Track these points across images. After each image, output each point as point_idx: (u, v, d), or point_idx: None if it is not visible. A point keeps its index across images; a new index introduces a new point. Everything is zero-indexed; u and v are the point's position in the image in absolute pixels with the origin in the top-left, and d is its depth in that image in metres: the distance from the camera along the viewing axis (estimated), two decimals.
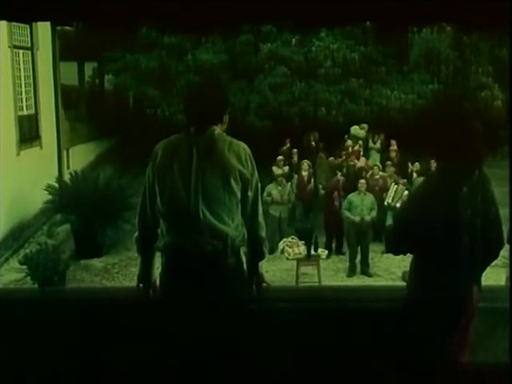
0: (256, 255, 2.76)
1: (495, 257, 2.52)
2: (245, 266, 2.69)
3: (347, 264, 10.52)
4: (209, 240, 2.50)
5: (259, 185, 2.70)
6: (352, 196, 10.67)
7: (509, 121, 13.52)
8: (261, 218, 2.72)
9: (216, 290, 2.50)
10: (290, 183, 12.03)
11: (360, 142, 14.09)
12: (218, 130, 2.60)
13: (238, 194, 2.56)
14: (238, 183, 2.55)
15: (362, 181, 10.78)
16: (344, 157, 13.17)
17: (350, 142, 13.90)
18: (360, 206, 10.47)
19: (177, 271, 2.57)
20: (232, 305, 2.54)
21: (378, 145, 14.35)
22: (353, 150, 13.49)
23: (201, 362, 2.49)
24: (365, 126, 14.76)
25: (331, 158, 13.35)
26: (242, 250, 2.67)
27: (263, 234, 2.74)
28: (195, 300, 2.50)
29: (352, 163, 12.74)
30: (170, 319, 2.59)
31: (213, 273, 2.51)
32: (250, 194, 2.61)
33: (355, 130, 14.60)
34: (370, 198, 10.61)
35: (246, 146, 2.62)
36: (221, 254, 2.52)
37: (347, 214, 10.53)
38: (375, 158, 13.79)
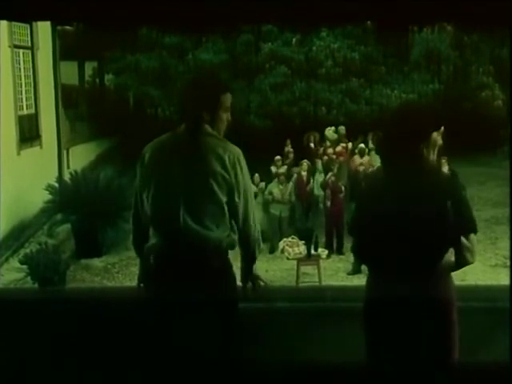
0: (247, 258, 2.70)
1: (454, 243, 2.40)
2: (234, 268, 2.64)
3: (349, 263, 10.50)
4: (190, 245, 2.46)
5: (251, 189, 2.61)
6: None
7: (509, 121, 13.52)
8: (252, 222, 2.60)
9: (200, 292, 2.45)
10: (291, 182, 12.04)
11: (349, 144, 14.14)
12: (208, 129, 2.52)
13: (223, 199, 2.48)
14: (221, 188, 2.46)
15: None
16: (327, 157, 13.17)
17: (327, 143, 13.98)
18: None
19: (161, 273, 2.55)
20: (218, 306, 2.50)
21: None
22: (340, 151, 13.51)
23: (198, 362, 2.48)
24: (342, 128, 14.78)
25: (318, 161, 13.35)
26: (232, 253, 2.63)
27: (254, 237, 2.63)
28: (177, 301, 2.48)
29: (358, 164, 12.74)
30: (153, 320, 2.58)
31: (195, 276, 2.46)
32: (236, 199, 2.51)
33: (328, 131, 14.67)
34: None
35: (235, 150, 2.51)
36: (203, 258, 2.47)
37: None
38: (376, 158, 13.78)
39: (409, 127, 2.39)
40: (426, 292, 2.36)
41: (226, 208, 2.49)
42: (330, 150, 13.31)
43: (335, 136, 14.56)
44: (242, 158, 2.52)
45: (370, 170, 12.19)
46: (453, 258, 2.41)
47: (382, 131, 2.61)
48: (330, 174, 11.88)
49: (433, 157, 2.43)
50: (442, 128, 2.47)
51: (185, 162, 2.48)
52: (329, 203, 11.33)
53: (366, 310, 2.50)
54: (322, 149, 13.75)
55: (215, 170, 2.44)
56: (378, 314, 2.45)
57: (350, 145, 14.21)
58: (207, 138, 2.51)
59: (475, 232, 2.42)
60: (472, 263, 2.43)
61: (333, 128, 14.83)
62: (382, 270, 2.44)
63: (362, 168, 12.46)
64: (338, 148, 13.68)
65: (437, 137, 2.43)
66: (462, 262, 2.40)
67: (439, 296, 2.39)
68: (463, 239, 2.38)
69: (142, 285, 2.82)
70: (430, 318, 2.37)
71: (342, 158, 13.09)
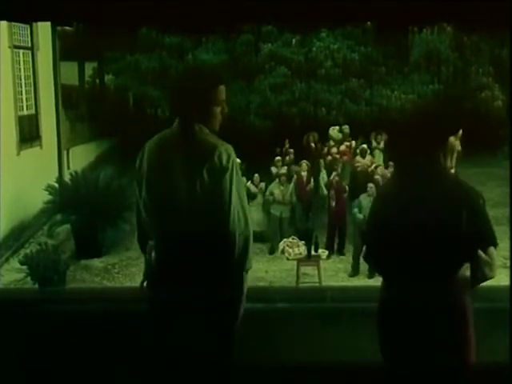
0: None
1: (469, 256, 2.25)
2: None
3: (350, 264, 10.51)
4: (179, 247, 2.41)
5: (239, 192, 2.43)
6: (362, 197, 10.67)
7: (509, 121, 13.53)
8: (237, 228, 2.40)
9: (195, 293, 2.41)
10: (292, 183, 12.05)
11: (352, 143, 14.18)
12: (199, 128, 2.42)
13: (208, 203, 2.37)
14: (205, 192, 2.36)
15: (371, 184, 10.76)
16: (330, 156, 13.19)
17: (331, 143, 14.01)
18: (366, 208, 10.45)
19: (159, 271, 2.51)
20: (216, 306, 2.44)
21: (382, 144, 14.41)
22: (343, 150, 13.52)
23: (198, 363, 2.47)
24: (346, 127, 14.83)
25: (322, 160, 13.35)
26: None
27: (237, 244, 2.41)
28: (176, 301, 2.44)
29: (358, 164, 12.73)
30: (153, 319, 2.55)
31: (188, 277, 2.41)
32: (219, 203, 2.37)
33: (332, 130, 14.72)
34: None
35: (222, 150, 2.37)
36: (193, 259, 2.40)
37: (355, 210, 10.55)
38: (379, 157, 13.84)
39: (424, 131, 2.26)
40: (439, 302, 2.25)
41: (211, 211, 2.38)
42: (334, 150, 13.31)
43: (340, 135, 14.59)
44: (225, 157, 2.37)
45: (370, 169, 12.25)
46: (468, 273, 2.25)
47: (395, 135, 2.49)
48: (334, 173, 11.88)
49: (450, 163, 2.29)
50: (460, 132, 2.31)
51: (172, 163, 2.41)
52: (333, 203, 11.31)
53: (381, 316, 2.41)
54: (326, 148, 13.75)
55: (198, 174, 2.35)
56: (392, 320, 2.36)
57: (353, 143, 14.22)
58: (196, 138, 2.41)
59: (495, 245, 2.24)
60: (492, 278, 2.27)
61: (337, 127, 14.87)
62: (395, 278, 2.35)
63: (363, 168, 12.47)
64: (342, 147, 13.70)
65: (454, 141, 2.29)
66: (479, 277, 2.24)
67: (452, 307, 2.27)
68: (481, 253, 2.21)
69: (145, 282, 2.76)
70: (443, 329, 2.26)
71: (345, 158, 13.08)
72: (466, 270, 2.26)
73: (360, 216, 10.43)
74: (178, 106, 2.48)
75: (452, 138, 2.28)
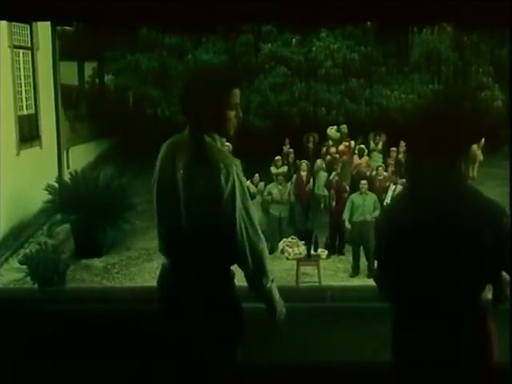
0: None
1: (492, 278, 2.09)
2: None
3: (350, 264, 10.52)
4: (184, 258, 2.36)
5: (242, 208, 2.28)
6: (354, 196, 10.67)
7: (509, 121, 13.53)
8: (245, 244, 2.28)
9: (198, 299, 2.37)
10: (290, 183, 12.05)
11: (351, 143, 14.19)
12: (212, 139, 2.30)
13: (209, 217, 2.28)
14: (204, 206, 2.26)
15: (364, 181, 10.75)
16: (329, 156, 13.19)
17: (330, 143, 14.02)
18: (361, 206, 10.45)
19: (163, 272, 2.47)
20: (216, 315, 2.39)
21: (380, 145, 14.42)
22: (343, 150, 13.54)
23: (197, 363, 2.47)
24: (344, 127, 14.84)
25: (319, 160, 13.35)
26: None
27: (245, 259, 2.32)
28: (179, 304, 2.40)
29: (360, 165, 12.74)
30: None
31: (191, 283, 2.36)
32: (220, 219, 2.26)
33: (330, 130, 14.72)
34: (372, 199, 10.53)
35: (221, 168, 2.21)
36: (196, 269, 2.34)
37: (346, 214, 10.56)
38: (377, 158, 13.83)
39: (444, 138, 2.02)
40: (462, 327, 2.08)
41: (213, 228, 2.28)
42: (333, 149, 13.31)
43: (338, 135, 14.60)
44: (224, 178, 2.21)
45: (370, 170, 12.26)
46: (489, 295, 2.08)
47: (410, 140, 2.24)
48: (333, 173, 11.88)
49: (472, 173, 2.07)
50: (483, 141, 2.08)
51: (177, 171, 2.30)
52: (334, 203, 11.32)
53: (397, 337, 2.22)
54: (324, 148, 13.76)
55: (197, 190, 2.24)
56: (410, 344, 2.16)
57: (352, 143, 14.23)
58: (202, 149, 2.28)
59: None
60: None
61: (335, 127, 14.87)
62: (410, 300, 2.14)
63: (361, 168, 12.49)
64: (341, 147, 13.70)
65: (477, 151, 2.06)
66: (501, 299, 2.08)
67: (475, 332, 2.10)
68: (504, 274, 2.04)
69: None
70: (466, 359, 2.10)
71: (345, 157, 13.10)
72: (487, 292, 2.11)
73: (348, 226, 10.47)
74: (188, 110, 2.32)
75: (474, 147, 2.06)
